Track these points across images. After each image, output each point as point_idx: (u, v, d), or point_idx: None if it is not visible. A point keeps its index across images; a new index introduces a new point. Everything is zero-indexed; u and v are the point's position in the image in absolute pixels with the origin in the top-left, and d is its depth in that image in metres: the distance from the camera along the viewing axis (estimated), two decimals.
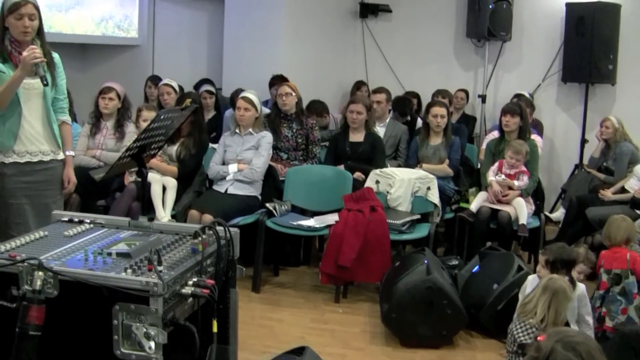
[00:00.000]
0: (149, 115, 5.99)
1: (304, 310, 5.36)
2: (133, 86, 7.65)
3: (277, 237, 5.88)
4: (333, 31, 8.87)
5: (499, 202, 5.98)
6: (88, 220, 3.21)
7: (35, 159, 4.12)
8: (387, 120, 7.07)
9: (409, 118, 7.61)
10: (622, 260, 4.69)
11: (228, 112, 7.39)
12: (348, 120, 6.43)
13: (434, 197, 5.97)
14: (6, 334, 2.42)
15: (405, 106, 7.71)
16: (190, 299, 2.62)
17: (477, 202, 6.04)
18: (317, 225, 5.72)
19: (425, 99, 7.91)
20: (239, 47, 8.40)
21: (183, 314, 2.59)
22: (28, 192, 4.10)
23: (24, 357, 2.36)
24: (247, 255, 4.92)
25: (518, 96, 7.69)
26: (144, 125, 5.68)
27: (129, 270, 2.51)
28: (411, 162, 6.51)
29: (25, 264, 2.43)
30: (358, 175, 6.21)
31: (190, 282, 2.61)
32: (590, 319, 4.29)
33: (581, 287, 4.27)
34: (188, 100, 6.10)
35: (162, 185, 5.84)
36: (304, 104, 6.96)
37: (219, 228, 2.91)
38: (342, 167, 6.30)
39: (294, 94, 6.49)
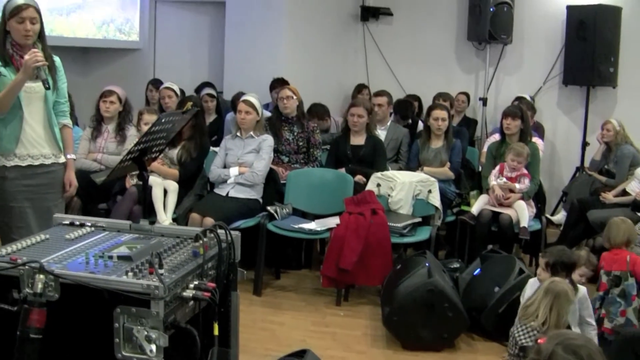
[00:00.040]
0: (150, 118, 5.99)
1: (305, 313, 5.36)
2: (134, 90, 7.67)
3: (279, 240, 5.89)
4: (334, 34, 8.88)
5: (500, 205, 5.97)
6: (89, 224, 3.21)
7: (36, 162, 4.12)
8: (388, 124, 7.06)
9: (410, 121, 7.61)
10: (622, 262, 4.69)
11: (229, 116, 7.40)
12: (349, 124, 6.43)
13: (435, 200, 5.98)
14: (7, 337, 2.42)
15: (407, 109, 7.72)
16: (192, 302, 2.62)
17: (478, 205, 6.04)
18: (319, 229, 5.72)
19: (426, 102, 7.92)
20: (240, 51, 8.41)
21: (184, 317, 2.59)
22: (29, 195, 4.10)
23: None
24: (248, 258, 4.93)
25: (519, 99, 7.69)
26: (145, 128, 5.68)
27: (130, 274, 2.51)
28: (412, 165, 6.51)
29: (27, 267, 2.42)
30: (359, 178, 6.21)
31: (192, 285, 2.61)
32: (592, 321, 4.29)
33: (582, 289, 4.27)
34: (189, 104, 6.11)
35: (164, 188, 5.84)
36: (305, 107, 6.96)
37: (220, 231, 2.91)
38: (343, 170, 6.30)
39: (295, 97, 6.49)
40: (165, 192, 5.84)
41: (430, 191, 5.98)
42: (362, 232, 5.46)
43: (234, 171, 5.91)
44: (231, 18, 8.49)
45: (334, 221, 5.71)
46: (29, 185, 4.09)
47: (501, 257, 5.28)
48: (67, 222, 3.24)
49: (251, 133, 6.01)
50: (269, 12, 8.31)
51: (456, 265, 5.45)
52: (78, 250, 2.81)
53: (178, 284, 2.54)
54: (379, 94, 7.31)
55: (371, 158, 6.35)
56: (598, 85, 8.10)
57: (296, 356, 3.58)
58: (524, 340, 4.00)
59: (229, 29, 8.53)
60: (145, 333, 2.37)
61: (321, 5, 8.65)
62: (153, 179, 5.73)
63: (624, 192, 6.50)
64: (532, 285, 4.41)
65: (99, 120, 6.20)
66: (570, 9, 8.06)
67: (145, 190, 3.89)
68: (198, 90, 7.83)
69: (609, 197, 6.50)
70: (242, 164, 5.94)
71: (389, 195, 6.00)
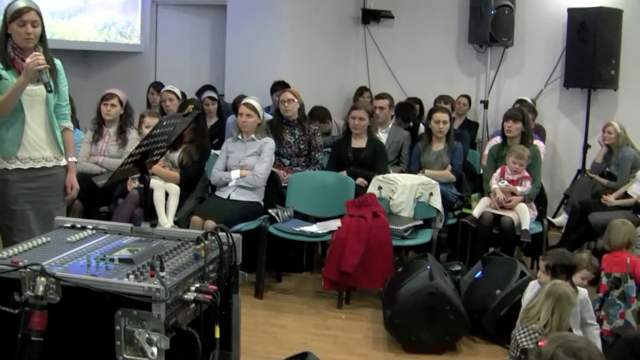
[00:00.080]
0: (151, 121, 5.99)
1: (306, 316, 5.36)
2: (135, 93, 7.68)
3: (280, 243, 5.88)
4: (335, 37, 8.88)
5: (502, 207, 5.97)
6: (90, 226, 3.21)
7: (38, 165, 4.13)
8: (390, 126, 7.07)
9: (411, 124, 7.61)
10: (622, 264, 4.69)
11: (230, 119, 7.40)
12: (350, 126, 6.43)
13: (437, 202, 5.98)
14: (8, 339, 2.42)
15: (409, 112, 7.71)
16: (193, 305, 2.62)
17: (479, 207, 6.04)
18: (320, 231, 5.71)
19: (428, 105, 7.91)
20: (242, 54, 8.42)
21: (185, 320, 2.59)
22: (31, 198, 4.10)
23: None
24: (249, 261, 4.94)
25: (520, 102, 7.69)
26: (146, 131, 5.69)
27: (132, 276, 2.51)
28: (413, 167, 6.51)
29: (28, 269, 2.43)
30: (360, 181, 6.21)
31: (193, 288, 2.61)
32: (594, 321, 4.28)
33: (583, 291, 4.26)
34: (190, 107, 6.12)
35: (165, 191, 5.85)
36: (307, 110, 6.97)
37: (222, 234, 2.91)
38: (344, 173, 6.30)
39: (296, 100, 6.50)
40: (166, 195, 5.85)
41: (431, 194, 5.98)
42: (363, 235, 5.46)
43: (235, 174, 5.91)
44: (232, 21, 8.50)
45: (335, 224, 5.71)
46: (31, 188, 4.10)
47: (502, 259, 5.28)
48: (69, 224, 3.24)
49: (252, 136, 6.01)
50: (270, 15, 8.31)
51: (457, 267, 5.45)
52: (79, 253, 2.81)
53: (179, 287, 2.54)
54: (381, 96, 7.31)
55: (372, 161, 6.35)
56: (599, 88, 8.09)
57: (298, 359, 3.58)
58: (525, 343, 4.00)
59: (230, 32, 8.54)
60: (147, 336, 2.37)
61: (322, 8, 8.66)
62: (154, 182, 5.73)
63: (626, 195, 6.49)
64: (532, 287, 4.41)
65: (100, 123, 6.21)
66: (571, 11, 8.06)
67: (146, 193, 3.88)
68: (199, 93, 7.83)
69: (610, 199, 6.49)
70: (243, 166, 5.94)
71: (390, 198, 6.00)
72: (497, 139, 6.67)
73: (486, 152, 6.84)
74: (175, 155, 6.03)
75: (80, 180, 4.50)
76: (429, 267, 4.89)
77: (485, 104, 8.58)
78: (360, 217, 5.58)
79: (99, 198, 5.87)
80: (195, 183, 6.14)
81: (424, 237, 5.77)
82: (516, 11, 8.28)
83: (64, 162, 4.27)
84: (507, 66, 8.67)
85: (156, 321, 2.38)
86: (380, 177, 6.09)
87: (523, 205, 5.94)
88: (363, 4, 9.06)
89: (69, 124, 4.34)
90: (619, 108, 8.21)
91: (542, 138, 7.57)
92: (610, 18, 7.84)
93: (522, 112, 6.35)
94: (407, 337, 4.72)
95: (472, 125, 8.43)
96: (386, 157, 6.50)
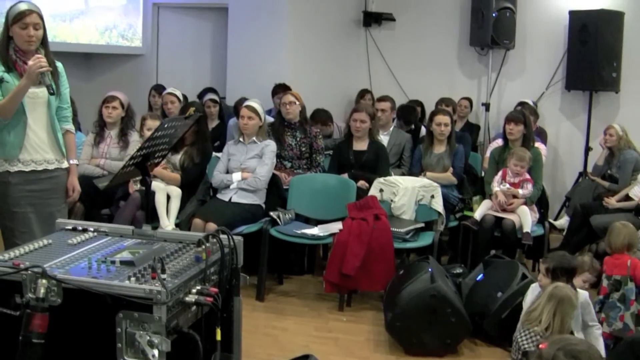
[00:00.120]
0: (153, 124, 6.00)
1: (308, 318, 5.35)
2: (137, 95, 7.69)
3: (281, 245, 5.88)
4: (337, 40, 8.89)
5: (503, 210, 5.97)
6: (92, 229, 3.22)
7: (40, 168, 4.13)
8: (391, 129, 7.07)
9: (413, 126, 7.61)
10: (623, 267, 4.68)
11: (232, 121, 7.41)
12: (352, 129, 6.44)
13: (438, 205, 5.97)
14: (10, 342, 2.42)
15: (411, 114, 7.72)
16: (194, 307, 2.62)
17: (481, 210, 6.04)
18: (321, 234, 5.72)
19: (429, 108, 7.92)
20: (243, 56, 8.43)
21: (186, 322, 2.59)
22: (33, 200, 4.11)
23: None
24: (251, 263, 4.94)
25: (522, 104, 7.70)
26: (148, 134, 5.69)
27: (133, 278, 2.52)
28: (415, 170, 6.51)
29: (29, 272, 2.43)
30: (362, 183, 6.21)
31: (194, 290, 2.61)
32: (595, 323, 4.27)
33: (584, 294, 4.25)
34: (192, 109, 6.12)
35: (166, 194, 5.85)
36: (308, 112, 6.97)
37: (223, 236, 2.92)
38: (346, 175, 6.30)
39: (297, 102, 6.50)
40: (168, 197, 5.85)
41: (433, 196, 5.98)
42: (364, 238, 5.46)
43: (236, 176, 5.92)
44: (234, 24, 8.51)
45: (336, 226, 5.71)
46: (33, 190, 4.10)
47: (504, 262, 5.27)
48: (70, 227, 3.25)
49: (254, 138, 6.01)
50: (272, 17, 8.33)
51: (459, 270, 5.44)
52: (81, 255, 2.81)
53: (180, 289, 2.54)
54: (383, 99, 7.32)
55: (374, 163, 6.35)
56: (601, 90, 8.10)
57: None
58: (527, 346, 3.99)
59: (231, 34, 8.55)
60: (148, 338, 2.37)
61: (323, 10, 8.66)
62: (156, 185, 5.74)
63: (627, 197, 6.49)
64: (533, 290, 4.41)
65: (101, 126, 6.22)
66: (573, 14, 8.06)
67: (148, 196, 3.90)
68: (201, 95, 7.83)
69: (612, 202, 6.49)
70: (244, 169, 5.95)
71: (391, 200, 6.00)
72: (499, 142, 6.67)
73: (487, 154, 6.83)
74: (177, 158, 6.04)
75: (81, 182, 4.51)
76: (430, 269, 4.89)
77: (487, 106, 8.58)
78: (362, 219, 5.58)
79: (100, 200, 5.88)
80: (196, 185, 6.14)
81: (426, 239, 5.77)
82: (517, 13, 8.29)
83: (65, 165, 4.27)
84: (509, 69, 8.67)
85: (157, 323, 2.38)
86: (381, 179, 6.09)
87: (524, 208, 5.94)
88: (364, 6, 9.06)
89: (70, 126, 4.35)
90: (620, 110, 8.21)
91: (544, 140, 7.58)
92: (612, 20, 7.84)
93: (524, 114, 6.34)
94: (409, 339, 4.72)
95: (473, 128, 8.44)
96: (387, 160, 6.50)
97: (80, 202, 5.43)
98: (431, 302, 4.61)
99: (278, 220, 5.80)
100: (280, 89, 7.57)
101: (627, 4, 8.01)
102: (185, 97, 7.42)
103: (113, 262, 2.70)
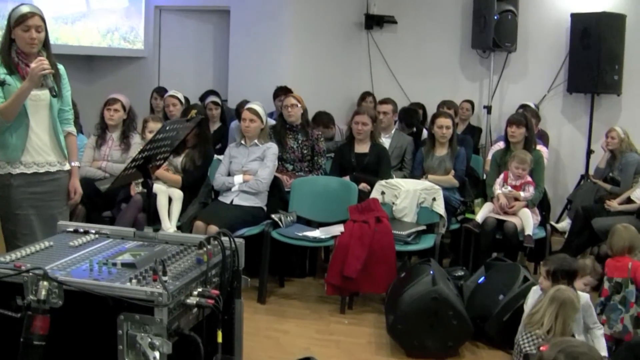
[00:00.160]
0: (154, 126, 6.01)
1: (309, 321, 5.35)
2: (139, 98, 7.69)
3: (283, 248, 5.88)
4: (338, 42, 8.89)
5: (505, 212, 5.97)
6: (93, 231, 3.22)
7: (42, 170, 4.14)
8: (393, 131, 7.07)
9: (414, 129, 7.61)
10: (624, 269, 4.68)
11: (233, 124, 7.41)
12: (353, 132, 6.44)
13: (440, 208, 5.97)
14: (11, 343, 2.43)
15: (412, 117, 7.72)
16: (195, 309, 2.63)
17: (482, 212, 6.03)
18: (323, 236, 5.71)
19: (431, 110, 7.92)
20: (245, 59, 8.44)
21: (188, 324, 2.60)
22: (35, 202, 4.11)
23: None
24: (252, 266, 4.93)
25: (523, 107, 7.69)
26: (149, 136, 5.70)
27: (134, 281, 2.52)
28: (417, 173, 6.51)
29: (30, 273, 2.43)
30: (363, 186, 6.21)
31: (195, 293, 2.62)
32: (597, 324, 4.27)
33: (585, 296, 4.25)
34: (193, 112, 6.14)
35: (168, 196, 5.85)
36: (310, 115, 6.97)
37: (224, 239, 2.92)
38: (347, 178, 6.30)
39: (299, 105, 6.50)
40: (169, 200, 5.85)
41: (434, 199, 5.98)
42: (366, 240, 5.45)
43: (238, 179, 5.92)
44: (236, 26, 8.52)
45: (338, 229, 5.71)
46: (35, 192, 4.11)
47: (506, 265, 5.27)
48: (72, 229, 3.25)
49: (255, 141, 6.02)
50: (274, 19, 8.34)
51: (461, 273, 5.44)
52: (82, 257, 2.82)
53: (182, 291, 2.55)
54: (384, 101, 7.33)
55: (375, 166, 6.35)
56: (602, 93, 8.10)
57: None
58: (529, 348, 3.99)
59: (233, 37, 8.56)
60: (149, 340, 2.37)
61: (325, 13, 8.67)
62: (158, 187, 5.74)
63: (629, 200, 6.48)
64: (534, 293, 4.40)
65: (103, 128, 6.22)
66: (574, 16, 8.06)
67: (149, 198, 3.90)
68: (202, 98, 7.84)
69: (613, 204, 6.48)
70: (246, 171, 5.95)
71: (393, 203, 6.00)
72: (501, 144, 6.67)
73: (489, 157, 6.83)
74: (178, 160, 6.04)
75: (83, 185, 4.51)
76: (431, 272, 4.88)
77: (489, 109, 8.58)
78: (363, 222, 5.58)
79: (102, 203, 5.88)
80: (198, 188, 6.14)
81: (427, 242, 5.76)
82: (519, 16, 8.29)
83: (67, 167, 4.28)
84: (510, 71, 8.67)
85: (158, 326, 2.38)
86: (383, 182, 6.09)
87: (526, 211, 5.93)
88: (366, 9, 9.06)
89: (72, 128, 4.35)
90: (622, 113, 8.21)
91: (546, 143, 7.58)
92: (613, 23, 7.84)
93: (526, 117, 6.34)
94: (410, 342, 4.71)
95: (475, 131, 8.44)
96: (389, 163, 6.50)
97: (82, 204, 5.43)
98: (433, 304, 4.60)
99: (279, 222, 5.80)
100: (282, 92, 7.58)
101: (628, 6, 8.01)
102: (187, 99, 7.43)
103: (114, 264, 2.70)
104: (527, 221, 5.85)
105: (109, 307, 2.40)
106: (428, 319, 4.61)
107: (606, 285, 4.74)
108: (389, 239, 5.51)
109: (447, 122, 6.41)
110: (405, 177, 6.53)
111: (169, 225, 5.72)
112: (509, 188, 6.00)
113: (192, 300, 2.58)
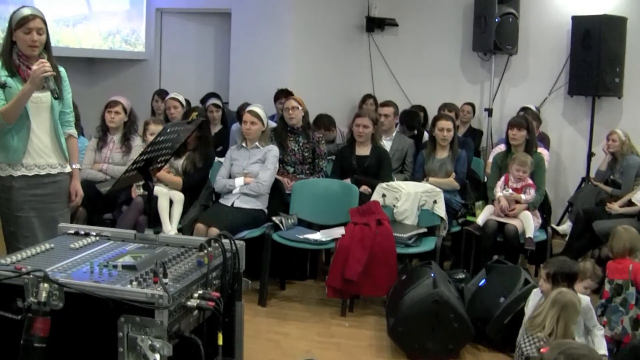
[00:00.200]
0: (156, 128, 6.01)
1: (310, 323, 5.35)
2: (140, 100, 7.69)
3: (284, 250, 5.88)
4: (339, 45, 8.89)
5: (506, 215, 5.97)
6: (94, 233, 3.22)
7: (43, 172, 4.14)
8: (394, 134, 7.07)
9: (415, 132, 7.61)
10: (625, 271, 4.68)
11: (235, 126, 7.42)
12: (354, 134, 6.44)
13: (441, 210, 5.97)
14: (11, 346, 2.43)
15: (414, 120, 7.73)
16: (196, 312, 2.63)
17: (483, 215, 6.03)
18: (324, 239, 5.71)
19: (432, 113, 7.93)
20: (246, 61, 8.44)
21: (188, 327, 2.59)
22: (36, 205, 4.12)
23: None
24: (253, 268, 4.92)
25: (524, 109, 7.69)
26: (150, 138, 5.69)
27: (135, 283, 2.52)
28: (418, 175, 6.51)
29: (31, 275, 2.43)
30: (364, 188, 6.21)
31: (196, 295, 2.61)
32: (598, 326, 4.26)
33: (585, 299, 4.24)
34: (194, 114, 6.14)
35: (169, 198, 5.85)
36: (311, 117, 6.97)
37: (225, 241, 2.92)
38: (348, 180, 6.30)
39: (300, 107, 6.50)
40: (170, 202, 5.85)
41: (435, 202, 5.98)
42: (367, 243, 5.45)
43: (239, 181, 5.92)
44: (237, 29, 8.53)
45: (339, 231, 5.71)
46: (36, 194, 4.11)
47: (506, 267, 5.27)
48: (72, 231, 3.25)
49: (256, 143, 6.02)
50: (275, 22, 8.34)
51: (461, 275, 5.44)
52: (83, 260, 2.82)
53: (182, 294, 2.54)
54: (386, 104, 7.33)
55: (376, 169, 6.35)
56: (603, 96, 8.09)
57: None
58: (530, 351, 3.99)
59: (234, 39, 8.56)
60: (149, 342, 2.37)
61: (326, 15, 8.67)
62: (159, 189, 5.75)
63: (630, 203, 6.47)
64: (535, 296, 4.40)
65: (104, 131, 6.22)
66: (576, 19, 8.06)
67: (150, 200, 3.91)
68: (204, 100, 7.84)
69: (614, 207, 6.47)
70: (247, 174, 5.95)
71: (394, 205, 6.00)
72: (502, 147, 6.67)
73: (490, 160, 6.82)
74: (179, 163, 6.04)
75: (84, 187, 4.51)
76: (432, 274, 4.88)
77: (490, 111, 8.58)
78: (364, 224, 5.58)
79: (102, 205, 5.88)
80: (199, 190, 6.14)
81: (428, 244, 5.76)
82: (520, 19, 8.29)
83: (68, 169, 4.28)
84: (512, 74, 8.67)
85: (159, 328, 2.38)
86: (384, 184, 6.09)
87: (527, 213, 5.93)
88: (367, 11, 9.06)
89: (73, 130, 4.36)
90: (623, 116, 8.20)
91: (547, 146, 7.57)
92: (614, 26, 7.83)
93: (527, 120, 6.34)
94: (411, 345, 4.71)
95: (476, 133, 8.43)
96: (390, 165, 6.50)
97: (83, 206, 5.44)
98: (433, 307, 4.60)
99: (280, 225, 5.80)
100: (282, 95, 7.58)
101: (629, 9, 8.01)
102: (188, 102, 7.42)
103: (115, 267, 2.70)
104: (528, 224, 5.85)
105: (110, 309, 2.40)
106: (429, 321, 4.61)
107: (607, 287, 4.74)
108: (389, 241, 5.51)
109: (448, 124, 6.42)
110: (406, 179, 6.52)
111: (170, 228, 5.72)
112: (510, 191, 6.00)
113: (192, 303, 2.57)
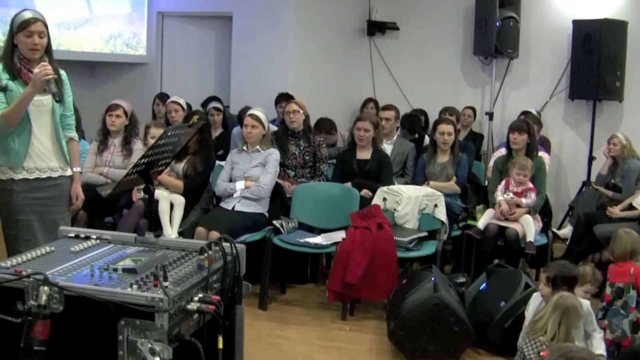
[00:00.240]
0: (157, 132, 6.01)
1: (310, 327, 5.34)
2: (141, 103, 7.70)
3: (284, 254, 5.87)
4: (341, 49, 8.90)
5: (507, 219, 5.96)
6: (94, 236, 3.22)
7: (44, 175, 4.14)
8: (395, 138, 7.07)
9: (416, 135, 7.62)
10: (626, 274, 4.67)
11: (235, 130, 7.42)
12: (355, 138, 6.44)
13: (441, 214, 5.97)
14: (11, 349, 2.42)
15: (415, 123, 7.73)
16: (196, 315, 2.62)
17: (484, 219, 6.03)
18: (324, 243, 5.71)
19: (433, 117, 7.92)
20: (247, 65, 8.45)
21: (188, 330, 2.59)
22: (36, 208, 4.12)
23: None
24: (253, 272, 4.92)
25: (525, 113, 7.68)
26: (151, 142, 5.70)
27: (135, 286, 2.52)
28: (418, 179, 6.51)
29: (31, 279, 2.43)
30: (365, 192, 6.21)
31: (196, 298, 2.61)
32: (597, 329, 4.26)
33: (586, 303, 4.23)
34: (195, 118, 6.15)
35: (170, 202, 5.85)
36: (312, 121, 6.97)
37: (225, 244, 2.92)
38: (349, 184, 6.30)
39: (301, 111, 6.51)
40: (171, 205, 5.85)
41: (436, 205, 5.97)
42: (368, 247, 5.45)
43: (240, 185, 5.92)
44: (238, 32, 8.53)
45: (339, 235, 5.71)
46: (37, 198, 4.11)
47: (507, 271, 5.26)
48: (73, 234, 3.25)
49: (257, 147, 6.02)
50: (276, 26, 8.35)
51: (462, 279, 5.43)
52: (83, 263, 2.82)
53: (182, 297, 2.54)
54: (387, 108, 7.33)
55: (377, 172, 6.35)
56: (604, 100, 8.09)
57: None
58: (532, 355, 3.98)
59: (235, 43, 8.57)
60: (149, 346, 2.37)
61: (327, 19, 8.68)
62: (159, 193, 5.75)
63: (631, 207, 6.47)
64: (535, 299, 4.39)
65: (105, 134, 6.22)
66: (576, 23, 8.06)
67: (151, 204, 3.91)
68: (205, 104, 7.84)
69: (615, 211, 6.47)
70: (248, 177, 5.95)
71: (395, 209, 5.99)
72: (502, 151, 6.67)
73: (491, 163, 6.83)
74: (180, 166, 6.05)
75: (85, 190, 4.52)
76: (433, 278, 4.88)
77: (490, 115, 8.58)
78: (365, 228, 5.58)
79: (103, 208, 5.88)
80: (200, 194, 6.15)
81: (429, 248, 5.76)
82: (521, 23, 8.29)
83: (69, 172, 4.28)
84: (512, 78, 8.67)
85: (159, 331, 2.38)
86: (385, 188, 6.09)
87: (528, 217, 5.93)
88: (368, 15, 9.07)
89: (74, 134, 4.36)
90: (624, 120, 8.20)
91: (547, 150, 7.57)
92: (615, 29, 7.83)
93: (528, 123, 6.34)
94: (412, 348, 4.71)
95: (477, 137, 8.43)
96: (391, 169, 6.50)
97: (84, 210, 5.44)
98: (434, 311, 4.60)
99: (281, 228, 5.80)
100: (283, 98, 7.59)
101: (630, 13, 8.01)
102: (189, 105, 7.43)
103: (115, 270, 2.70)
104: (529, 228, 5.85)
105: (110, 312, 2.40)
106: (429, 325, 4.61)
107: (608, 290, 4.73)
108: (390, 245, 5.51)
109: (449, 128, 6.42)
110: (407, 183, 6.52)
111: (171, 231, 5.73)
112: (511, 194, 6.00)
113: (193, 306, 2.57)
